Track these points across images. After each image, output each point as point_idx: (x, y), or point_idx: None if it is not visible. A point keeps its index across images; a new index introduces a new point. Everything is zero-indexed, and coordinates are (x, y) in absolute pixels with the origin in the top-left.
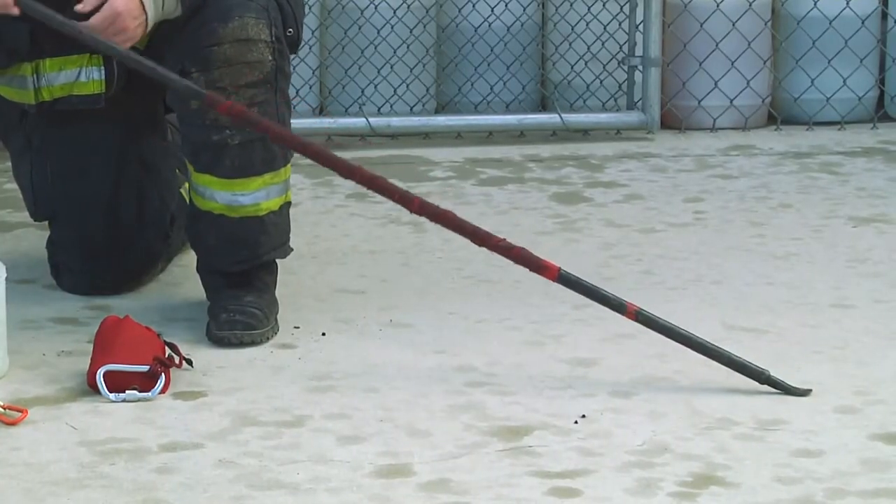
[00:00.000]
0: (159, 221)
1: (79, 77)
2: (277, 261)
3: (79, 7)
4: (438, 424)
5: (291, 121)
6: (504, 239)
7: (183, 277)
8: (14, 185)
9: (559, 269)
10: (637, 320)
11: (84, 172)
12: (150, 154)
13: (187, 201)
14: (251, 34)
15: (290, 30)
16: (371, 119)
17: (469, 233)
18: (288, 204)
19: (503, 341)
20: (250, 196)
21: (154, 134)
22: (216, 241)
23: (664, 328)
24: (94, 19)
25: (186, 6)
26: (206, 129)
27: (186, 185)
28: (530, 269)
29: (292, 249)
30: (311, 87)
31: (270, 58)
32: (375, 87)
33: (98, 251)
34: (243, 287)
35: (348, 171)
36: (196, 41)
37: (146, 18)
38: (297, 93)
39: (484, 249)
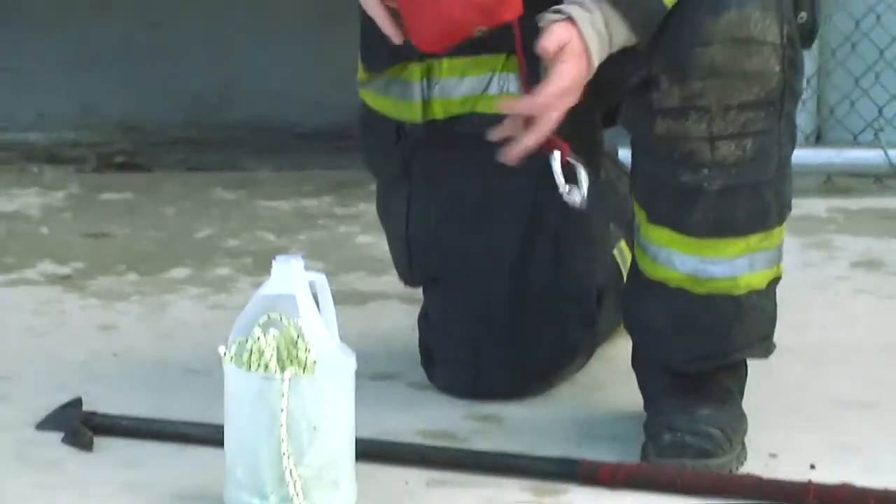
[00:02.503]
0: (581, 296)
1: (488, 87)
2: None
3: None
4: None
5: None
6: None
7: (608, 376)
8: (369, 238)
9: None
10: None
11: (484, 217)
12: None
13: (621, 269)
14: (753, 32)
15: (803, 14)
16: (892, 152)
17: None
18: (777, 280)
19: None
20: (726, 266)
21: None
22: (668, 326)
23: None
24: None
25: (644, 31)
26: (675, 164)
27: (621, 244)
28: None
29: (775, 346)
30: (803, 103)
31: (778, 68)
32: None
33: (492, 334)
34: (696, 394)
35: None
36: (672, 37)
37: (588, 53)
38: None
39: None
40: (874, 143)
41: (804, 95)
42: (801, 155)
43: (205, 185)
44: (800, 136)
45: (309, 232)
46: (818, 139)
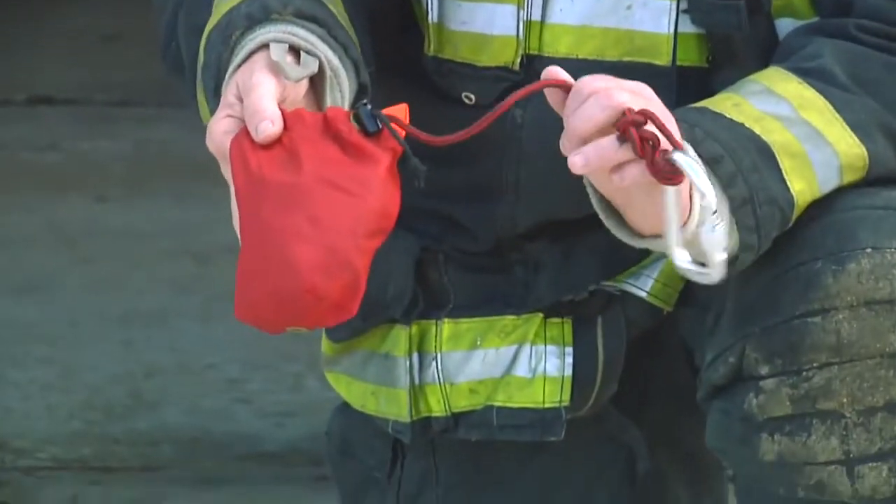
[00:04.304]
0: None
1: (512, 367)
2: None
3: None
4: None
5: None
6: None
7: None
8: None
9: None
10: None
11: None
12: None
13: None
14: None
15: None
16: None
17: None
18: None
19: None
20: None
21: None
22: None
23: None
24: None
25: (753, 231)
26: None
27: None
28: None
29: None
30: None
31: None
32: None
33: None
34: None
35: None
36: (772, 300)
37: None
38: None
39: None
40: None
41: None
42: None
43: None
44: None
45: None
46: None
